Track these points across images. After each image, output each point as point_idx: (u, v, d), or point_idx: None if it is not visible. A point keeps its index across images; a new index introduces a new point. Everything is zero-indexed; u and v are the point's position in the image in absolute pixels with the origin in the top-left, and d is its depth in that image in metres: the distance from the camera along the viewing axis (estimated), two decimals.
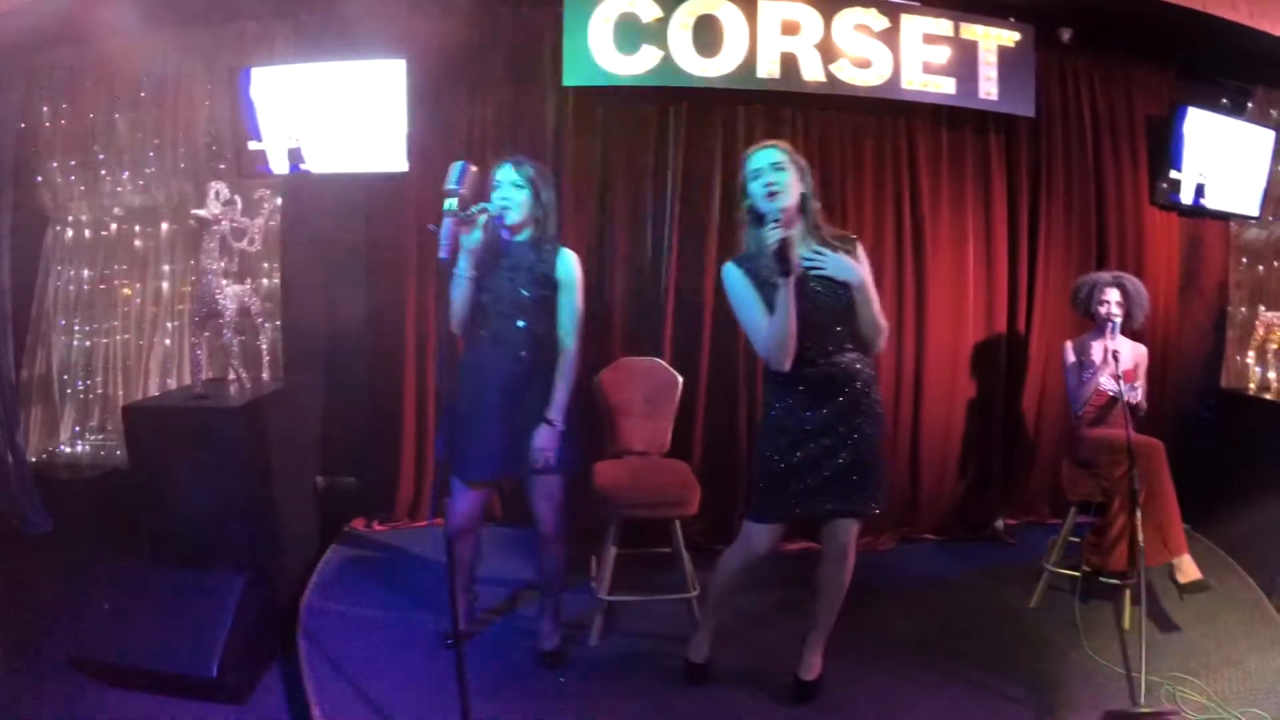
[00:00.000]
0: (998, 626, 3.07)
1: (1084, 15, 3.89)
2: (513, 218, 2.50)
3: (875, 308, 2.27)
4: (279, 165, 3.75)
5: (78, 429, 4.12)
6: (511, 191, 2.50)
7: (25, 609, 3.06)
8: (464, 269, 2.40)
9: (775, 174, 2.23)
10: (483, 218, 2.35)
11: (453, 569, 2.13)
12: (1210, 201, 4.24)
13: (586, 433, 3.56)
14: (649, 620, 3.03)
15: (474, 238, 2.36)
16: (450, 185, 2.07)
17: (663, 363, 3.55)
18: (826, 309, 2.26)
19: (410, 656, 2.71)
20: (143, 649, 2.53)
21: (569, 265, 2.54)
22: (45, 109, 4.04)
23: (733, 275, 2.30)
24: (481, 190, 2.27)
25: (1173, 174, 4.13)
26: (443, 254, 2.02)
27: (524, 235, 2.56)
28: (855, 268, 2.23)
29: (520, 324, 2.51)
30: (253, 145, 3.73)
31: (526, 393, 2.52)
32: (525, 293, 2.50)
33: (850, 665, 2.71)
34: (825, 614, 2.53)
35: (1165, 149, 4.11)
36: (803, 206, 2.29)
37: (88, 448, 4.11)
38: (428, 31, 3.78)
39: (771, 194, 2.22)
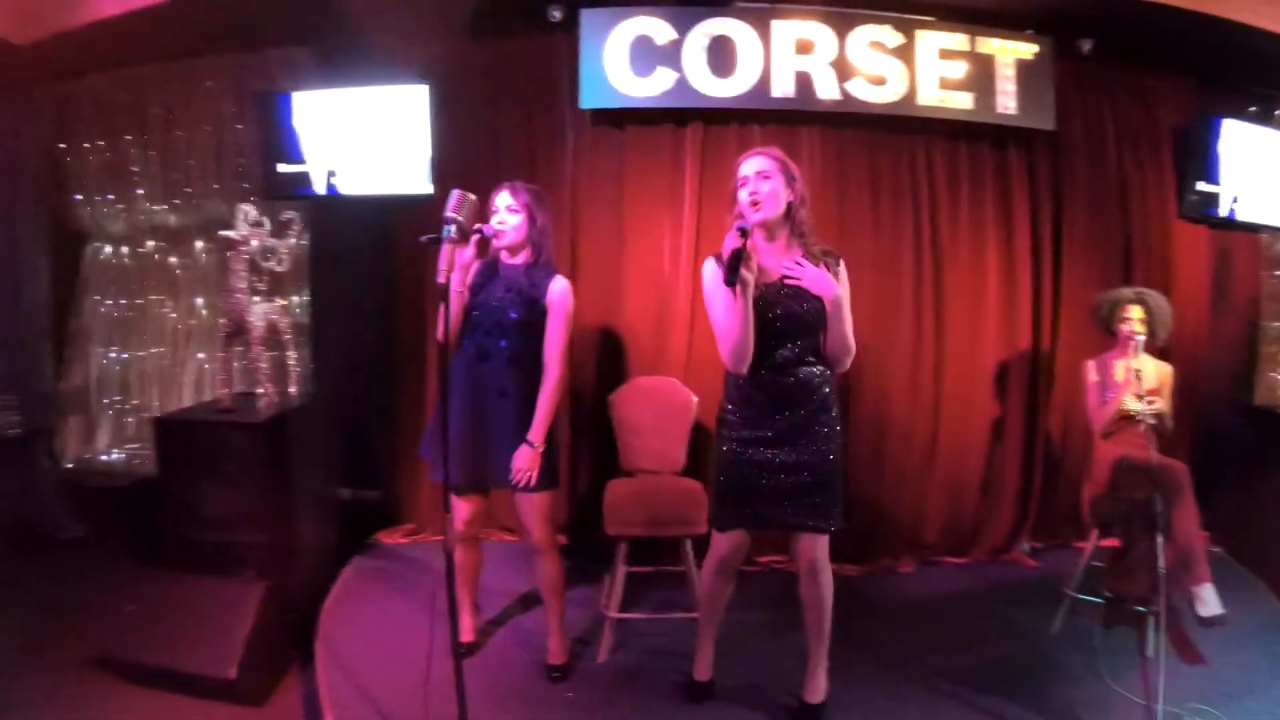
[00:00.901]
0: (1016, 652, 3.00)
1: (1103, 25, 3.80)
2: (506, 240, 2.60)
3: (846, 327, 2.28)
4: (319, 186, 3.89)
5: (112, 439, 4.31)
6: (506, 215, 2.60)
7: (55, 610, 3.20)
8: (455, 284, 2.50)
9: (760, 183, 2.27)
10: (476, 236, 2.46)
11: (451, 581, 2.17)
12: (1244, 213, 4.10)
13: (598, 451, 3.62)
14: (657, 638, 3.04)
15: (466, 254, 2.49)
16: (448, 213, 2.14)
17: (676, 382, 3.57)
18: (795, 319, 2.28)
19: (423, 666, 2.73)
20: (165, 650, 2.66)
21: (558, 291, 2.62)
22: (80, 131, 4.26)
23: (710, 271, 2.32)
24: (479, 216, 2.35)
25: (1208, 186, 4.01)
26: (440, 278, 2.09)
27: (519, 258, 2.66)
28: (832, 283, 2.24)
29: (503, 343, 2.61)
30: (289, 168, 3.88)
31: (505, 409, 2.60)
32: (512, 314, 2.59)
33: (860, 688, 2.69)
34: (814, 634, 2.51)
35: (1194, 160, 4.00)
36: (789, 215, 2.31)
37: (121, 457, 4.29)
38: (449, 57, 3.89)
39: (755, 203, 2.26)
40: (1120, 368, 3.11)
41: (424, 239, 2.18)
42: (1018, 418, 4.01)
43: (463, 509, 2.72)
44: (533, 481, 2.57)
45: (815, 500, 2.33)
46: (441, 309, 2.27)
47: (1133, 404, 3.01)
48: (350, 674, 2.74)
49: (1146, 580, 2.72)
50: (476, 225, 2.43)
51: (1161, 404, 3.12)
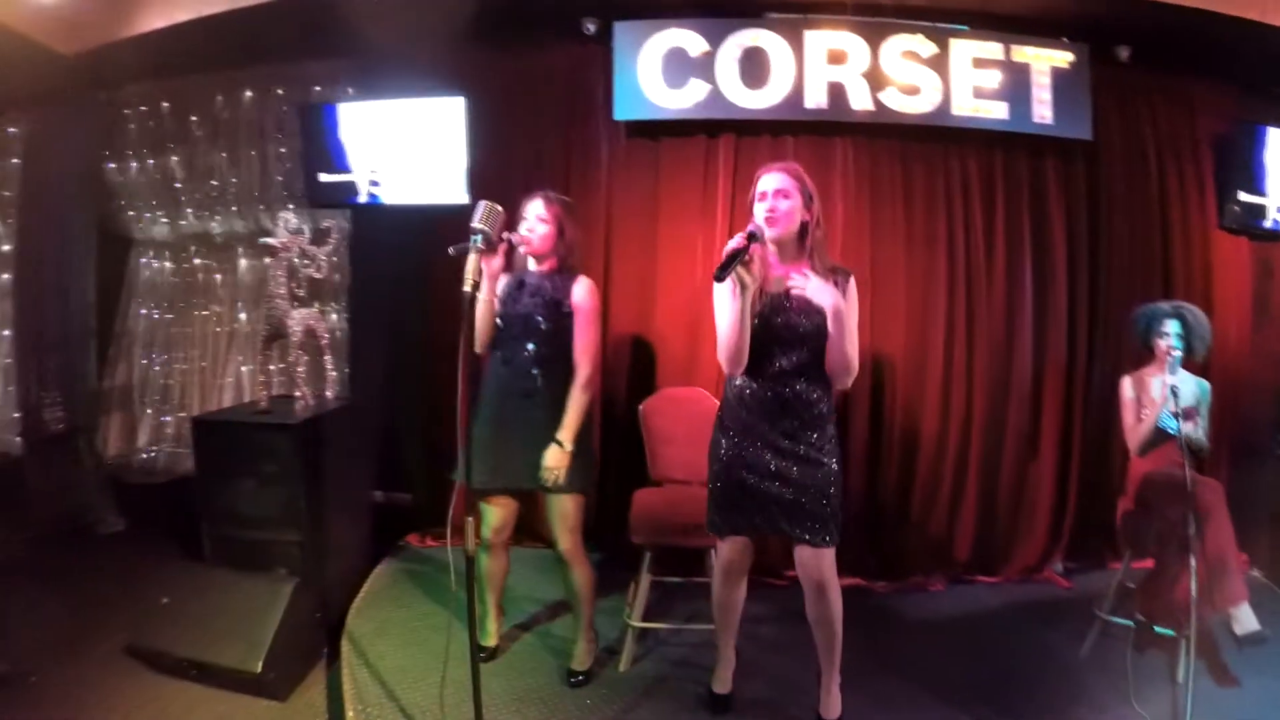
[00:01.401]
0: (1043, 675, 2.92)
1: (1141, 31, 3.72)
2: (533, 248, 2.66)
3: (848, 342, 2.27)
4: (359, 196, 3.99)
5: (153, 435, 4.46)
6: (536, 224, 2.66)
7: (93, 601, 3.32)
8: (484, 292, 2.55)
9: (779, 200, 2.29)
10: (503, 245, 2.53)
11: (471, 583, 2.21)
12: None
13: (629, 460, 3.63)
14: (681, 648, 3.05)
15: (495, 264, 2.56)
16: (475, 223, 2.19)
17: (706, 392, 3.56)
18: (795, 330, 2.29)
19: (447, 667, 2.78)
20: (195, 642, 2.74)
21: (583, 293, 2.67)
22: (126, 139, 4.43)
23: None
24: (505, 226, 2.39)
25: (1250, 196, 3.90)
26: (466, 287, 2.13)
27: (545, 266, 2.72)
28: (834, 294, 2.23)
29: (530, 347, 2.65)
30: (330, 177, 3.99)
31: (534, 412, 2.64)
32: (539, 318, 2.64)
33: (884, 705, 2.66)
34: (824, 650, 2.49)
35: (1236, 169, 3.89)
36: (803, 233, 2.33)
37: (163, 454, 4.44)
38: (486, 69, 3.97)
39: (771, 219, 2.28)
40: (1157, 384, 3.03)
41: (452, 250, 2.23)
42: (1052, 434, 3.92)
43: (492, 514, 2.76)
44: (560, 480, 2.60)
45: (810, 511, 2.33)
46: (466, 316, 2.30)
47: (1169, 422, 2.93)
48: (374, 672, 2.80)
49: (1179, 603, 2.66)
50: (503, 234, 2.48)
51: (1199, 422, 3.03)
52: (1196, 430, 2.99)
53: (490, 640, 2.98)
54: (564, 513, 2.68)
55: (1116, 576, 3.11)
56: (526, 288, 2.70)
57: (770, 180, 2.32)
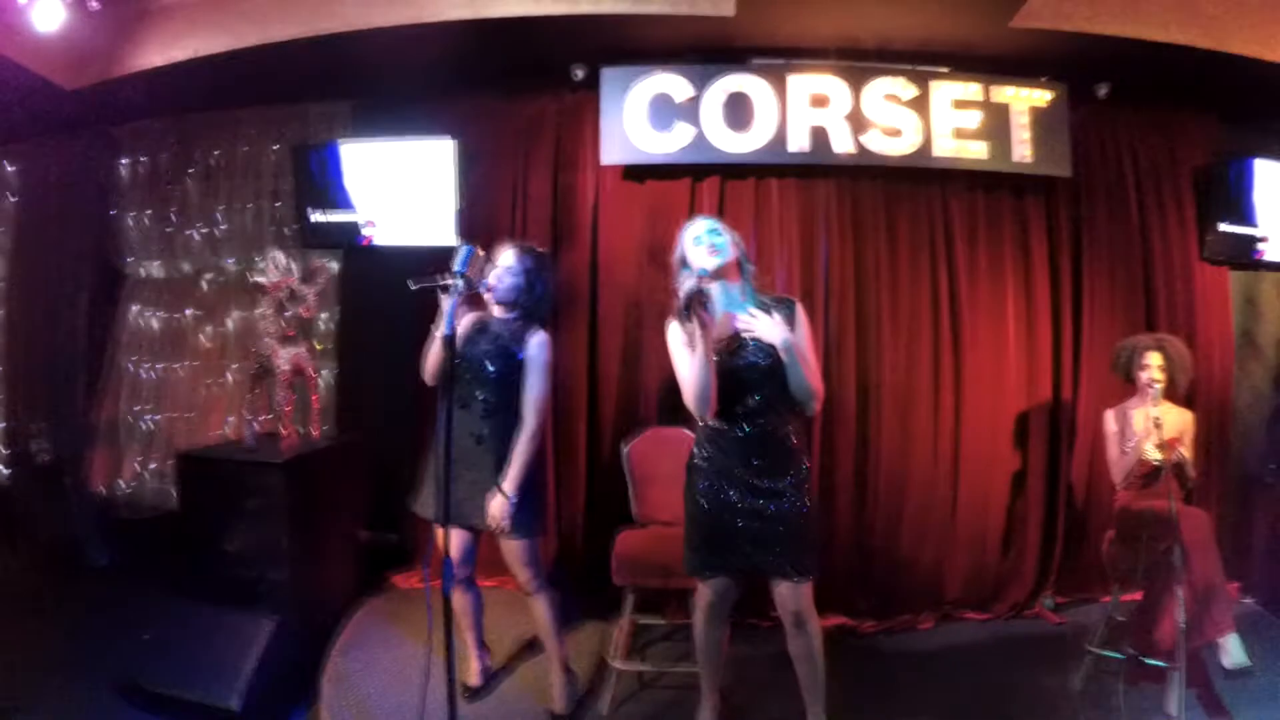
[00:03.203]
0: (1035, 710, 2.88)
1: (1119, 68, 3.76)
2: (495, 297, 2.69)
3: (806, 370, 2.30)
4: (352, 236, 4.05)
5: (140, 470, 4.43)
6: (505, 275, 2.69)
7: (75, 633, 3.29)
8: (438, 328, 2.54)
9: (711, 237, 2.36)
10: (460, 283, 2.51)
11: (448, 619, 2.16)
12: (1272, 254, 4.03)
13: (608, 500, 3.61)
14: (666, 691, 3.00)
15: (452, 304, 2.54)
16: (456, 268, 2.20)
17: (691, 432, 3.56)
18: (756, 370, 2.32)
19: (427, 707, 2.69)
20: (174, 678, 2.72)
21: (535, 346, 2.66)
22: (125, 175, 4.50)
23: (673, 331, 2.38)
24: (483, 270, 2.43)
25: (1232, 227, 3.95)
26: (446, 330, 2.15)
27: (508, 313, 2.73)
28: (782, 328, 2.28)
29: (479, 395, 2.66)
30: (323, 217, 4.05)
31: (482, 457, 2.64)
32: (490, 367, 2.65)
33: None
34: (809, 691, 2.48)
35: (1216, 200, 3.94)
36: (739, 267, 2.41)
37: (149, 489, 4.41)
38: (476, 113, 4.05)
39: (714, 251, 2.33)
40: (1139, 416, 3.05)
41: (414, 285, 2.22)
42: (1039, 470, 3.90)
43: (453, 541, 2.71)
44: (505, 529, 2.59)
45: (787, 547, 2.34)
46: (443, 358, 2.29)
47: (1153, 453, 2.94)
48: (357, 712, 2.76)
49: (1170, 635, 2.64)
50: (469, 280, 2.49)
51: (1183, 452, 3.03)
52: (1181, 461, 3.00)
53: (472, 679, 2.94)
54: (514, 552, 2.69)
55: (1106, 610, 3.08)
56: (486, 334, 2.72)
57: (696, 225, 2.42)
